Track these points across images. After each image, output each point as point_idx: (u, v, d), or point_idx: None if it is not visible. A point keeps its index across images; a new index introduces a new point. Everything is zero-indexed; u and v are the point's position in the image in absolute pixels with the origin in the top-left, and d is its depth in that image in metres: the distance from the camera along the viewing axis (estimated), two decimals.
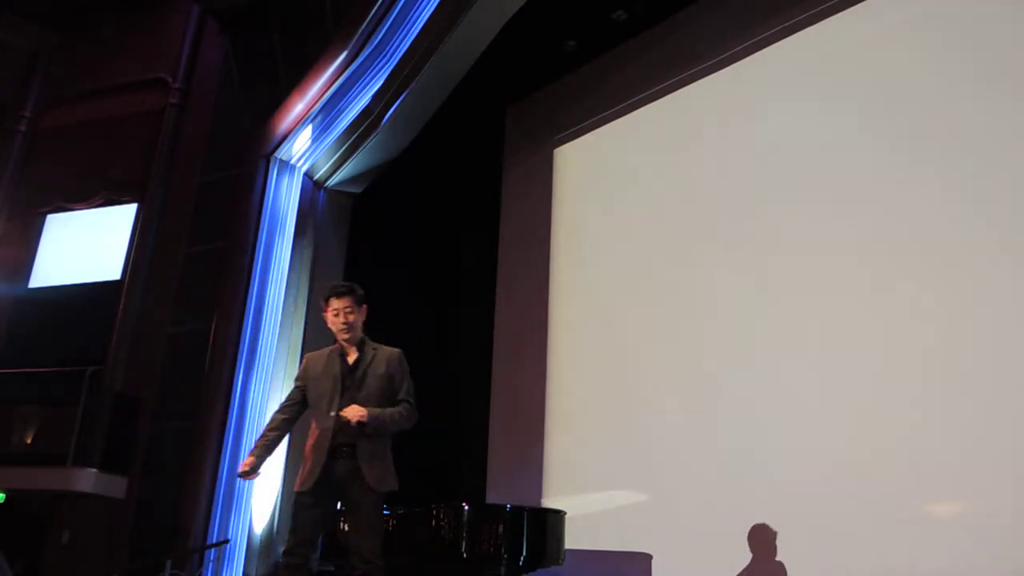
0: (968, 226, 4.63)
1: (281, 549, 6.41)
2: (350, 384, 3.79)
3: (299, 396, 3.92)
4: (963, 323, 4.51)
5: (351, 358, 3.86)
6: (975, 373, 4.39)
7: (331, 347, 3.95)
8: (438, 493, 6.35)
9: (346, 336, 3.86)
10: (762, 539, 4.96)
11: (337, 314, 3.86)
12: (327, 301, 3.90)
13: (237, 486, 6.30)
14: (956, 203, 4.71)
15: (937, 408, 4.48)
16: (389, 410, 3.75)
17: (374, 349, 3.90)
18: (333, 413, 3.69)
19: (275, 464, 6.58)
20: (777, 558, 4.87)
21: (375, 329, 4.01)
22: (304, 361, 4.01)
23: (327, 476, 3.67)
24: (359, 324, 3.90)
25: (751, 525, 5.02)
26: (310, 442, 3.75)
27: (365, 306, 3.93)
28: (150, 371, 7.02)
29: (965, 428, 4.34)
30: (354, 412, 3.63)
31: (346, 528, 3.86)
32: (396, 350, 3.94)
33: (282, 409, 3.95)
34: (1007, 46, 4.68)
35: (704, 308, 5.89)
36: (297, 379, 3.98)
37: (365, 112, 6.70)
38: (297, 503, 3.74)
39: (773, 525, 4.93)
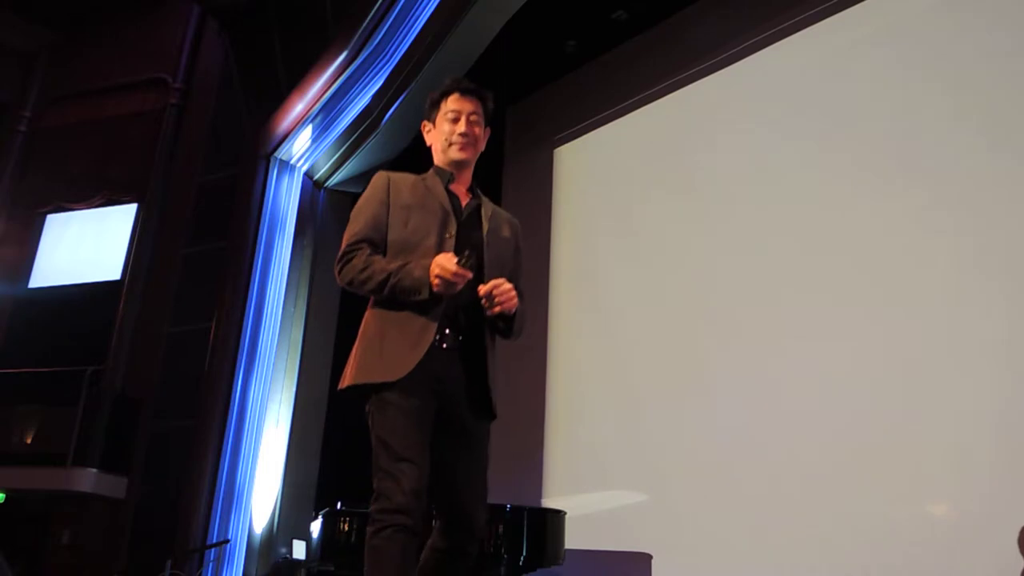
0: (969, 224, 4.63)
1: (292, 556, 6.35)
2: (466, 234, 2.38)
3: (382, 234, 2.36)
4: (963, 323, 4.51)
5: (464, 200, 2.49)
6: (975, 373, 4.38)
7: (420, 175, 2.50)
8: None
9: (462, 155, 2.47)
10: (763, 538, 4.96)
11: (457, 119, 2.46)
12: (442, 98, 2.50)
13: (237, 486, 6.30)
14: (958, 201, 4.71)
15: (938, 407, 4.48)
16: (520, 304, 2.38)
17: (490, 201, 2.57)
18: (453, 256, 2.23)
19: (275, 461, 6.58)
20: (778, 557, 4.87)
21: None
22: (386, 180, 2.44)
23: (426, 369, 2.19)
24: (478, 152, 2.53)
25: (751, 526, 5.03)
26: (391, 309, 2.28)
27: (489, 130, 2.59)
28: (150, 371, 7.03)
29: (966, 428, 4.34)
30: (506, 291, 2.24)
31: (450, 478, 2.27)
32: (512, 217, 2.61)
33: (369, 246, 2.34)
34: (1010, 46, 4.69)
35: (705, 308, 5.88)
36: (376, 203, 2.39)
37: (365, 112, 6.69)
38: (385, 408, 2.16)
39: (773, 525, 4.93)
